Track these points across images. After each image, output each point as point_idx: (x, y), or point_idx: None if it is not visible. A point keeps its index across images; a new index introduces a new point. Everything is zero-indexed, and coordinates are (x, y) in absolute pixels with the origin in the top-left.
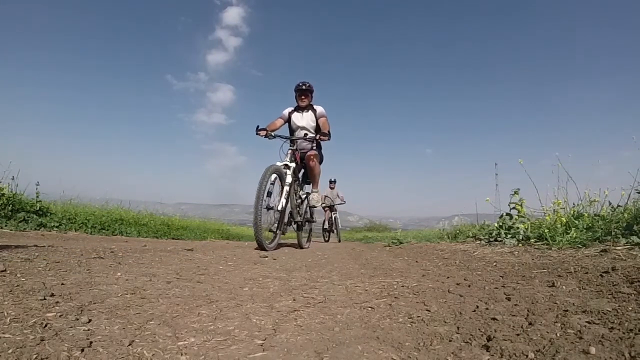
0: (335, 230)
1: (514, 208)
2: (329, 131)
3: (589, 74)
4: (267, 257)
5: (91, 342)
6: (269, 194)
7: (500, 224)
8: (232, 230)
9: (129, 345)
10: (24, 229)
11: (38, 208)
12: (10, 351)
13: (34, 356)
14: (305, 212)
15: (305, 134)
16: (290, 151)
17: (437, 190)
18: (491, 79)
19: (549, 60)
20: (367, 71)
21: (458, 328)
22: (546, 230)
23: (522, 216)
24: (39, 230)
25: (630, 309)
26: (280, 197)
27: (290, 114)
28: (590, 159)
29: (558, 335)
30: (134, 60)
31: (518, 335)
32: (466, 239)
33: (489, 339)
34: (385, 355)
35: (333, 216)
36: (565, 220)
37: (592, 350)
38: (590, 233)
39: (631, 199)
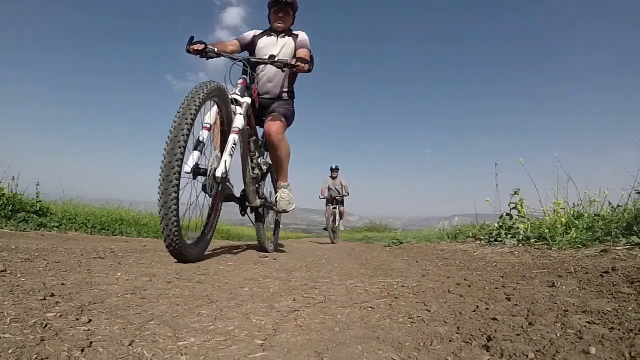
0: (334, 229)
1: (514, 208)
2: (311, 57)
3: (589, 74)
4: (267, 257)
5: (91, 342)
6: (199, 147)
7: (500, 224)
8: (232, 230)
9: (129, 345)
10: (24, 229)
11: (38, 208)
12: (10, 351)
13: (34, 356)
14: (270, 193)
15: (272, 56)
16: (242, 80)
17: (437, 190)
18: (491, 79)
19: (550, 60)
20: (367, 71)
21: (458, 328)
22: (546, 230)
23: (522, 216)
24: (39, 230)
25: (630, 309)
26: (222, 153)
27: (255, 37)
28: (590, 159)
29: (558, 335)
30: (134, 61)
31: (518, 335)
32: (466, 239)
33: (489, 339)
34: (385, 355)
35: (336, 211)
36: (565, 220)
37: (592, 350)
38: (590, 233)
39: (631, 199)
